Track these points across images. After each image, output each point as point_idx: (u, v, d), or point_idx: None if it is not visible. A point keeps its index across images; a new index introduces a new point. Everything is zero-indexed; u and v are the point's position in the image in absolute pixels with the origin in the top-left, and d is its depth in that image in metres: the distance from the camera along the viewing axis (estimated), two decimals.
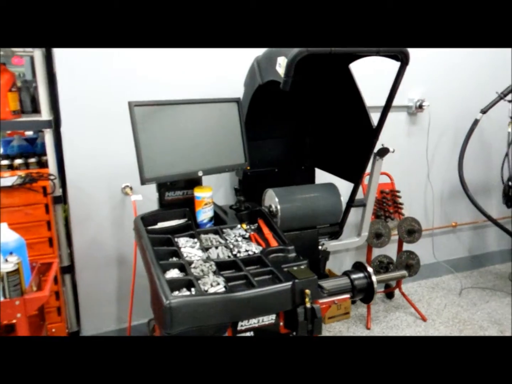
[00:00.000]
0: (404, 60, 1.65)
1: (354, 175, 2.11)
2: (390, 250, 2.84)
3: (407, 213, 2.80)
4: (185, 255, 1.55)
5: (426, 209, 3.18)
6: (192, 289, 1.36)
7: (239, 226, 1.79)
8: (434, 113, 2.89)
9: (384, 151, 1.99)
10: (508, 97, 2.73)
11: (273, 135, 2.31)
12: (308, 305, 1.44)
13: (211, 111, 1.73)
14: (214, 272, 1.46)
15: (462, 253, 3.48)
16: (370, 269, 1.72)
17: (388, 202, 2.70)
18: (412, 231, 2.68)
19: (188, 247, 1.59)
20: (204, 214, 1.78)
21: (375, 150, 2.01)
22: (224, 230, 1.75)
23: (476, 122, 2.79)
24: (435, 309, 2.93)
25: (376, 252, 2.82)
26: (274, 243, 1.71)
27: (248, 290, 1.38)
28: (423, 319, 2.80)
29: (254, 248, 1.62)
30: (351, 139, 2.07)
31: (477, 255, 3.53)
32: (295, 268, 1.54)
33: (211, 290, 1.36)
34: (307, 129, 2.35)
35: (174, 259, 1.54)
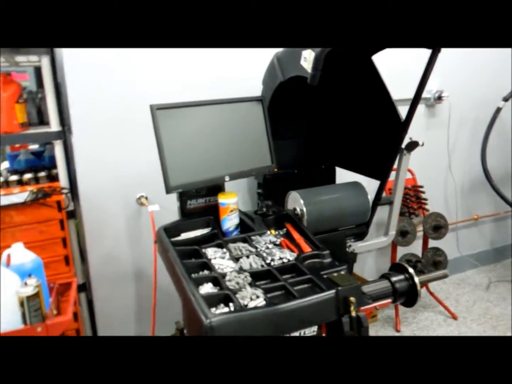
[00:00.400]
0: (436, 48, 1.55)
1: (381, 172, 2.00)
2: (415, 248, 2.73)
3: (430, 208, 2.70)
4: (216, 267, 1.44)
5: (447, 202, 3.08)
6: (231, 304, 1.25)
7: (268, 232, 1.68)
8: (452, 104, 2.79)
9: (413, 145, 1.89)
10: None
11: (291, 135, 2.21)
12: (353, 313, 1.33)
13: (234, 112, 1.63)
14: (251, 284, 1.35)
15: (485, 246, 3.38)
16: (411, 270, 1.61)
17: (412, 198, 2.60)
18: (438, 226, 2.57)
19: (219, 258, 1.49)
20: (230, 222, 1.67)
21: (403, 144, 1.91)
22: (253, 237, 1.65)
23: (498, 110, 2.70)
24: (465, 306, 2.83)
25: (400, 250, 2.72)
26: (307, 249, 1.60)
27: (291, 302, 1.27)
28: (454, 317, 2.70)
29: (289, 255, 1.51)
30: (377, 134, 1.97)
31: (499, 248, 3.43)
32: (335, 274, 1.44)
33: (251, 304, 1.25)
34: (326, 127, 2.25)
35: (206, 272, 1.43)
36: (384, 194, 2.11)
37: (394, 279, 1.61)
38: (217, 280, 1.36)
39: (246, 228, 1.72)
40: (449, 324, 2.65)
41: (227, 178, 1.62)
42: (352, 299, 1.33)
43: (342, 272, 1.45)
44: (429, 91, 2.70)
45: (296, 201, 1.96)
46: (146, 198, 2.13)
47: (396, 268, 1.67)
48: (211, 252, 1.54)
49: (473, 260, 3.24)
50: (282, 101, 1.89)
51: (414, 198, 2.61)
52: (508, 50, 2.90)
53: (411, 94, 1.80)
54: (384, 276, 1.64)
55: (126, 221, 2.17)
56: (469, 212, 3.20)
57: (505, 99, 2.68)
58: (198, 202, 1.73)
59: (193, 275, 1.38)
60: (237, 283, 1.34)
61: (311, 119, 2.22)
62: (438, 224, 2.57)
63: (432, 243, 2.72)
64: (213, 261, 1.47)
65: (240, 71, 2.23)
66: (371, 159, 2.04)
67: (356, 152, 2.15)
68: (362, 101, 1.99)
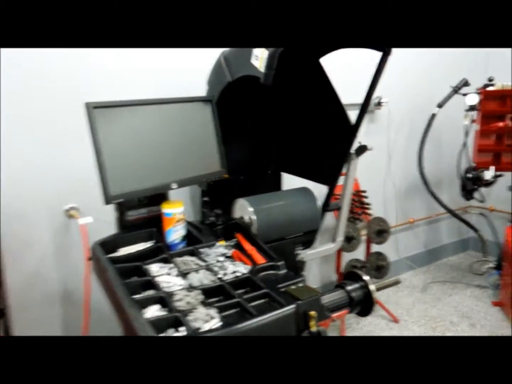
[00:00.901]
0: (387, 50, 1.53)
1: (330, 177, 1.96)
2: (358, 253, 2.74)
3: (372, 213, 2.72)
4: (162, 285, 1.28)
5: (386, 207, 3.15)
6: (182, 329, 1.10)
7: (217, 243, 1.55)
8: (390, 109, 2.85)
9: (362, 149, 1.86)
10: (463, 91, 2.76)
11: (237, 139, 2.10)
12: (313, 328, 1.25)
13: (181, 112, 1.48)
14: (203, 303, 1.21)
15: (419, 249, 3.50)
16: (366, 277, 1.57)
17: (355, 203, 2.60)
18: (381, 231, 2.60)
19: (165, 275, 1.33)
20: (176, 233, 1.52)
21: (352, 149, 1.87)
22: (202, 250, 1.51)
23: (433, 116, 2.79)
24: (405, 308, 2.88)
25: (344, 256, 2.71)
26: (260, 260, 1.49)
27: (248, 321, 1.15)
28: (395, 320, 2.73)
29: (242, 268, 1.39)
30: (325, 139, 1.92)
31: (432, 249, 3.58)
32: (292, 287, 1.34)
33: (205, 326, 1.12)
34: (273, 131, 2.17)
35: (150, 292, 1.26)
36: None
37: (349, 288, 1.55)
38: (164, 300, 1.20)
39: (193, 240, 1.58)
40: (392, 328, 2.68)
41: (174, 186, 1.47)
42: (312, 313, 1.25)
43: (300, 285, 1.36)
44: None
45: (244, 209, 1.85)
46: (77, 209, 1.90)
47: (351, 276, 1.62)
48: (155, 268, 1.38)
49: (410, 262, 3.34)
50: (229, 102, 1.78)
51: (357, 203, 2.61)
52: (442, 58, 3.03)
53: (357, 99, 1.77)
54: (340, 286, 1.58)
55: (53, 237, 1.92)
56: (405, 215, 3.30)
57: (439, 106, 2.78)
58: (139, 213, 1.56)
59: (135, 297, 1.21)
60: (188, 302, 1.20)
61: (258, 122, 2.13)
62: (381, 229, 2.60)
63: (373, 247, 2.74)
64: (158, 279, 1.31)
65: (189, 68, 2.08)
66: (320, 164, 1.99)
67: (304, 157, 2.09)
68: (311, 104, 1.94)
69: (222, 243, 1.57)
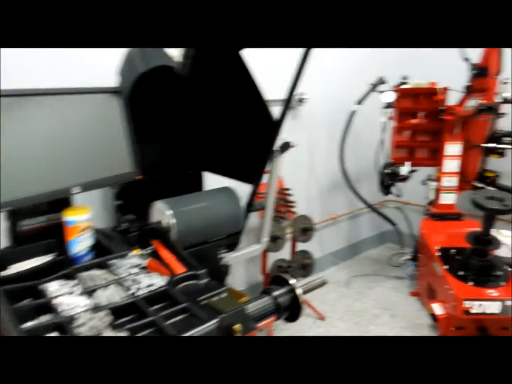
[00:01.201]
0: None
1: (253, 176, 1.87)
2: (283, 252, 2.69)
3: (297, 211, 2.69)
4: (62, 308, 1.09)
5: (309, 204, 3.15)
6: None
7: (131, 253, 1.38)
8: (312, 106, 2.84)
9: (286, 146, 1.79)
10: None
11: (151, 137, 1.93)
12: None
13: (84, 105, 1.28)
14: (112, 326, 1.05)
15: (342, 243, 3.57)
16: (292, 281, 1.50)
17: (280, 202, 2.54)
18: (306, 229, 2.57)
19: (66, 295, 1.14)
20: (81, 244, 1.33)
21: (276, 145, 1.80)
22: (112, 261, 1.33)
23: (353, 113, 2.83)
24: (331, 305, 2.90)
25: (270, 256, 2.65)
26: (179, 269, 1.36)
27: None
28: (321, 318, 2.74)
29: (160, 280, 1.25)
30: (248, 135, 1.82)
31: (354, 243, 3.67)
32: (215, 298, 1.23)
33: None
34: (192, 128, 2.02)
35: (47, 317, 1.07)
36: None
37: (275, 293, 1.47)
38: (63, 327, 1.02)
39: (103, 251, 1.39)
40: (319, 326, 2.68)
41: (76, 190, 1.27)
42: (237, 327, 1.14)
43: (223, 295, 1.25)
44: None
45: (161, 212, 1.70)
46: None
47: (277, 281, 1.54)
48: (54, 287, 1.18)
49: (334, 258, 3.39)
50: (142, 96, 1.61)
51: (282, 201, 2.56)
52: (361, 56, 3.08)
53: (279, 96, 1.70)
54: (265, 292, 1.49)
55: None
56: (328, 212, 3.33)
57: (358, 103, 2.82)
58: (36, 222, 1.34)
59: (26, 325, 1.02)
60: (92, 327, 1.03)
61: (175, 118, 1.97)
62: (306, 227, 2.57)
63: (299, 246, 2.71)
64: (56, 300, 1.12)
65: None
66: (243, 162, 1.89)
67: (226, 155, 1.97)
68: (232, 98, 1.82)
69: (137, 252, 1.41)
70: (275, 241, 2.43)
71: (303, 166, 3.02)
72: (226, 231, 1.90)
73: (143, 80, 1.53)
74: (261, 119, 1.73)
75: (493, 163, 2.90)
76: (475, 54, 2.52)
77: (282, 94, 1.75)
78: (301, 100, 2.70)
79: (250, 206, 1.96)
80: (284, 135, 2.65)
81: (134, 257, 1.36)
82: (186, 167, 2.08)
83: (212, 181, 2.07)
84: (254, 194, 1.95)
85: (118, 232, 1.51)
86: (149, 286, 1.23)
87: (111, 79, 1.65)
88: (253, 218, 2.27)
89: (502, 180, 2.86)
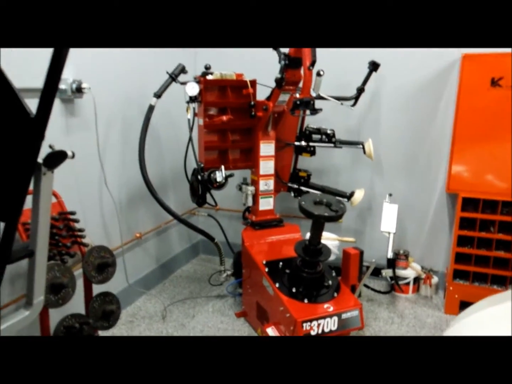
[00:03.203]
0: None
1: (5, 207, 1.11)
2: (75, 302, 1.93)
3: (89, 240, 1.98)
4: None
5: (106, 227, 2.45)
6: None
7: None
8: (96, 99, 2.15)
9: (58, 157, 1.11)
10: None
11: None
12: None
13: None
14: None
15: (151, 266, 2.98)
16: None
17: (61, 232, 1.79)
18: (104, 265, 1.89)
19: None
20: None
21: (40, 157, 1.09)
22: None
23: (152, 108, 2.26)
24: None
25: (56, 314, 1.85)
26: None
27: None
28: None
29: None
30: None
31: (165, 263, 3.12)
32: None
33: None
34: None
35: None
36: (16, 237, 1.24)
37: None
38: None
39: None
40: None
41: None
42: None
43: None
44: (63, 80, 1.94)
45: None
46: None
47: None
48: None
49: (141, 288, 2.77)
50: None
51: (64, 231, 1.81)
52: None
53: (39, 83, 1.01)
54: None
55: None
56: (131, 231, 2.70)
57: (157, 96, 2.27)
58: None
59: None
60: None
61: None
62: (103, 262, 1.89)
63: (98, 288, 2.00)
64: None
65: None
66: None
67: None
68: None
69: None
70: (59, 291, 1.69)
71: (92, 179, 2.30)
72: None
73: None
74: (8, 116, 1.00)
75: (302, 161, 2.78)
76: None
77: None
78: (80, 90, 1.98)
79: (8, 256, 1.20)
80: (57, 139, 1.91)
81: None
82: None
83: None
84: (11, 234, 1.19)
85: None
86: None
87: None
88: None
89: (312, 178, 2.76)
